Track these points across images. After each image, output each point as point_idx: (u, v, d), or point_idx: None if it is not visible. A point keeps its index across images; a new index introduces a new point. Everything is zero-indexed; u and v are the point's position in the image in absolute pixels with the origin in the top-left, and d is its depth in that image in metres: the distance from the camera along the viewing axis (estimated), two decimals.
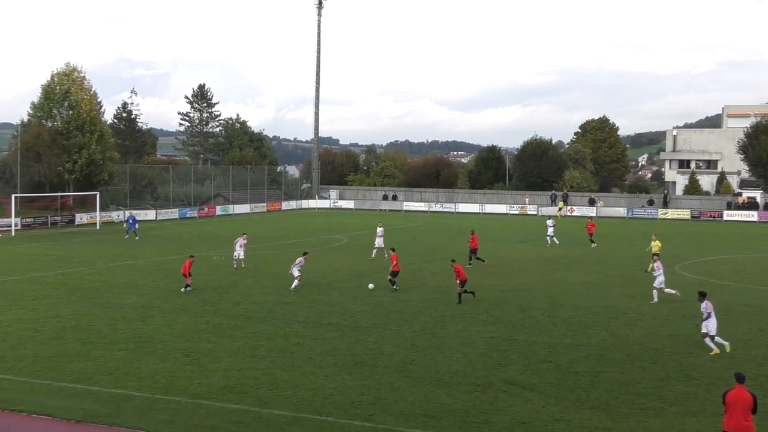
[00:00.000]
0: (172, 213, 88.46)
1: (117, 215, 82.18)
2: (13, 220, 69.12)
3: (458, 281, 34.07)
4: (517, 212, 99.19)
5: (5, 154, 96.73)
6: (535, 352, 25.49)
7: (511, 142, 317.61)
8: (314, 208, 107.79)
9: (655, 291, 35.18)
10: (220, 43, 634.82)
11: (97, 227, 71.57)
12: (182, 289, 36.85)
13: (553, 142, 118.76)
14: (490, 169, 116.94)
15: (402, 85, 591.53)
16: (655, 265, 35.65)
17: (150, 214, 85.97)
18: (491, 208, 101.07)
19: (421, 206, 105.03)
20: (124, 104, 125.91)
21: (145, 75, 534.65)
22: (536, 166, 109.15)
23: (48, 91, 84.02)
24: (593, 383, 21.86)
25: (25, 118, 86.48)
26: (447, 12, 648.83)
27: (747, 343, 27.03)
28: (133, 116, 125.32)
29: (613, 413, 19.22)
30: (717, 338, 25.83)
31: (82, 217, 77.45)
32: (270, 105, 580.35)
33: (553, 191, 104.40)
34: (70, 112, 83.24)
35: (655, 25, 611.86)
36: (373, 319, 30.63)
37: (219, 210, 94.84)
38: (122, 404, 19.69)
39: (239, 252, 44.74)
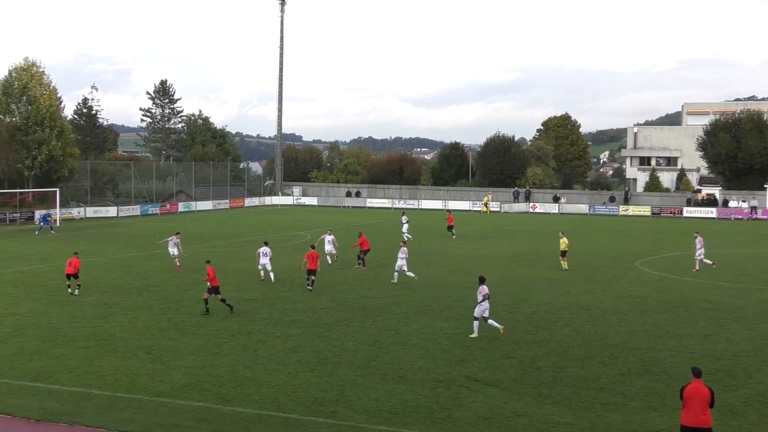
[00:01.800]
0: (134, 210, 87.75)
1: (77, 212, 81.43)
2: None
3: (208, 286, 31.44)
4: (479, 209, 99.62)
5: None
6: (497, 348, 25.62)
7: (474, 138, 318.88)
8: (277, 205, 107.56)
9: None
10: (182, 39, 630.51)
11: (57, 224, 70.78)
12: (75, 291, 35.22)
13: (516, 139, 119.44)
14: (453, 165, 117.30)
15: (366, 81, 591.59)
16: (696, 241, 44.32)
17: (111, 211, 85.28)
18: (454, 205, 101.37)
19: (384, 203, 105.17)
20: (85, 100, 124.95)
21: (107, 70, 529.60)
22: (499, 163, 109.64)
23: (6, 86, 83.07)
24: (555, 378, 22.03)
25: None
26: (411, 9, 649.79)
27: (705, 339, 27.38)
28: (93, 112, 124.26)
29: (574, 408, 19.38)
30: (490, 320, 27.15)
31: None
32: (233, 101, 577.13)
33: (516, 188, 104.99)
34: (29, 107, 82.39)
35: (615, 22, 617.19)
36: (336, 316, 30.61)
37: (181, 207, 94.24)
38: (83, 402, 19.51)
39: (173, 250, 44.12)
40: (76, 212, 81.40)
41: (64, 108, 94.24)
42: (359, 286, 37.88)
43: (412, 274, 39.63)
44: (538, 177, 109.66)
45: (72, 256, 36.34)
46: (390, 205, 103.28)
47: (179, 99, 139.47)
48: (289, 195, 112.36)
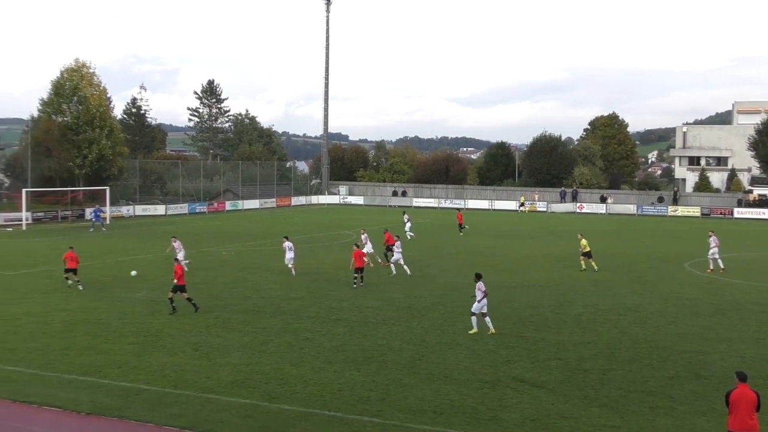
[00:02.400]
0: (182, 208, 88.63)
1: (127, 210, 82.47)
2: (24, 214, 69.40)
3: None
4: (526, 209, 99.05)
5: (16, 149, 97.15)
6: (543, 349, 25.45)
7: (521, 138, 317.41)
8: (324, 204, 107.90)
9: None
10: (229, 39, 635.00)
11: (107, 221, 71.72)
12: (75, 283, 36.33)
13: (563, 138, 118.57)
14: (499, 165, 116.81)
15: (412, 81, 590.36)
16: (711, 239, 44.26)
17: (159, 209, 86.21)
18: (500, 205, 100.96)
19: (430, 202, 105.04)
20: (134, 100, 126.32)
21: (154, 71, 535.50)
22: (546, 163, 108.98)
23: (58, 87, 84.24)
24: (602, 381, 21.82)
25: (35, 114, 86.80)
26: (457, 8, 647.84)
27: (757, 343, 26.93)
28: (142, 112, 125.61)
29: (621, 411, 19.18)
30: (486, 318, 27.75)
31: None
32: (279, 101, 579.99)
33: (563, 188, 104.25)
34: (80, 107, 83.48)
35: (663, 20, 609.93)
36: (382, 315, 30.63)
37: (228, 205, 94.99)
38: (131, 397, 19.73)
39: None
40: (126, 210, 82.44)
41: (113, 108, 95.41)
42: (405, 286, 37.86)
43: (407, 269, 40.93)
44: (585, 177, 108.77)
45: (68, 251, 37.23)
46: (436, 205, 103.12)
47: (226, 99, 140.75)
48: (335, 194, 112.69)
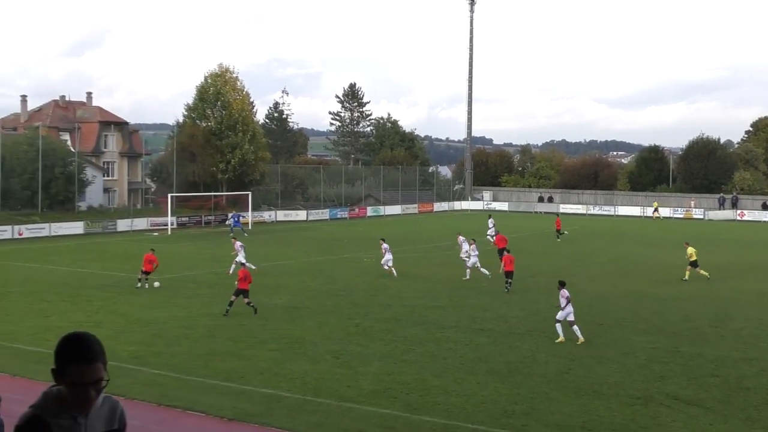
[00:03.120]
0: (323, 213, 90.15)
1: (268, 215, 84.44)
2: (169, 219, 72.07)
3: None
4: (681, 216, 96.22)
5: (162, 154, 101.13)
6: (700, 365, 24.65)
7: (675, 141, 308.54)
8: (467, 210, 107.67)
9: None
10: (371, 42, 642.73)
11: (249, 227, 73.70)
12: (155, 284, 38.44)
13: (721, 141, 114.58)
14: (652, 170, 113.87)
15: (559, 82, 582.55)
16: None
17: (301, 215, 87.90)
18: (653, 212, 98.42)
19: (578, 209, 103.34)
20: (276, 104, 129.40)
21: (297, 74, 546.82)
22: (703, 167, 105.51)
23: (202, 92, 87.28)
24: (766, 401, 20.94)
25: (181, 119, 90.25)
26: (607, 5, 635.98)
27: None
28: (284, 116, 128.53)
29: None
30: (574, 327, 27.46)
31: None
32: (422, 104, 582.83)
33: (722, 194, 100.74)
34: (223, 112, 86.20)
35: None
36: (527, 326, 30.35)
37: (370, 211, 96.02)
38: (273, 404, 20.20)
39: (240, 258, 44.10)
40: (267, 215, 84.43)
41: (256, 112, 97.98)
42: (551, 295, 37.30)
43: (486, 272, 41.70)
44: (747, 182, 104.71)
45: (149, 252, 39.22)
46: (584, 212, 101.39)
47: (368, 102, 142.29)
48: (478, 200, 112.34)
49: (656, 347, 26.96)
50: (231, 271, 42.54)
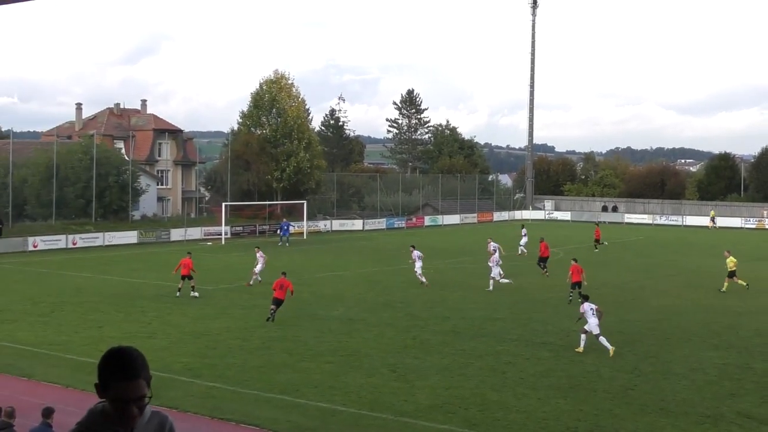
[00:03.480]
0: (380, 223, 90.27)
1: (324, 225, 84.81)
2: (223, 228, 72.67)
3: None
4: (753, 226, 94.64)
5: (216, 162, 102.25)
6: None
7: (747, 149, 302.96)
8: (528, 220, 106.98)
9: None
10: (429, 47, 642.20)
11: (304, 237, 74.11)
12: (195, 293, 39.02)
13: None
14: (722, 178, 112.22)
15: (625, 87, 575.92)
16: None
17: (357, 224, 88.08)
18: (723, 222, 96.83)
19: (644, 218, 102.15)
20: (332, 111, 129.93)
21: (354, 81, 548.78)
22: None
23: (257, 99, 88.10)
24: None
25: (235, 126, 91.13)
26: (676, 6, 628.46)
27: None
28: (340, 123, 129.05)
29: None
30: (601, 338, 27.55)
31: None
32: (482, 110, 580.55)
33: None
34: (278, 119, 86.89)
35: None
36: (590, 340, 30.05)
37: (427, 220, 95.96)
38: (328, 418, 20.28)
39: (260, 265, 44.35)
40: (323, 225, 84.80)
41: (312, 119, 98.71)
42: (617, 308, 37.01)
43: (508, 280, 42.46)
44: None
45: (186, 257, 39.98)
46: (650, 221, 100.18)
47: (426, 109, 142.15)
48: (540, 209, 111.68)
49: (727, 363, 26.55)
50: (251, 282, 43.53)
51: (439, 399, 22.01)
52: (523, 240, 60.35)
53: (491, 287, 41.82)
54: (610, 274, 47.60)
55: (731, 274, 42.62)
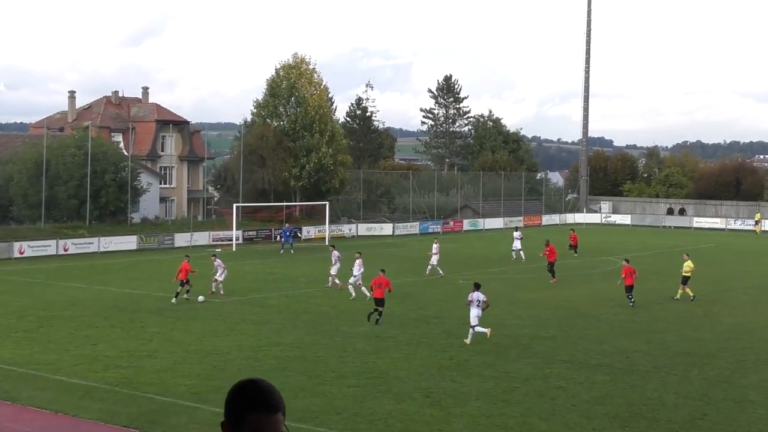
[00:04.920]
0: (412, 227, 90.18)
1: (349, 229, 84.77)
2: (234, 232, 72.68)
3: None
4: (760, 228, 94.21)
5: (227, 158, 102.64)
6: None
7: None
8: (581, 224, 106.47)
9: None
10: (470, 27, 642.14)
11: (326, 242, 74.14)
12: (185, 295, 41.22)
13: None
14: None
15: (694, 74, 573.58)
16: None
17: (386, 229, 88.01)
18: (755, 225, 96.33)
19: (715, 223, 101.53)
20: (359, 100, 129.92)
21: (384, 66, 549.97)
22: None
23: (273, 87, 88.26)
24: None
25: (249, 118, 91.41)
26: None
27: None
28: (368, 114, 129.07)
29: None
30: (477, 327, 31.62)
31: (309, 231, 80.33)
32: (530, 100, 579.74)
33: None
34: (298, 109, 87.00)
35: None
36: (653, 362, 29.92)
37: (467, 224, 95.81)
38: None
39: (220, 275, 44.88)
40: (347, 229, 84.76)
41: (335, 110, 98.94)
42: (683, 325, 36.83)
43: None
44: None
45: (184, 260, 41.99)
46: (723, 226, 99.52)
47: (466, 97, 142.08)
48: (595, 211, 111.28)
49: None
50: (214, 289, 44.30)
51: (478, 428, 21.96)
52: (516, 243, 61.75)
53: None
54: (676, 286, 47.17)
55: (684, 280, 43.81)
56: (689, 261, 44.50)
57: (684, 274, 44.20)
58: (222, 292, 43.62)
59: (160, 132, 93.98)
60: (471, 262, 58.70)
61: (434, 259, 53.89)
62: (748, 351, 31.93)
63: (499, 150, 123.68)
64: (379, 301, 35.99)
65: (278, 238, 72.79)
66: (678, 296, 43.94)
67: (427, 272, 53.50)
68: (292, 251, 67.56)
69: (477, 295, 32.27)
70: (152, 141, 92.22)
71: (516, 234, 63.93)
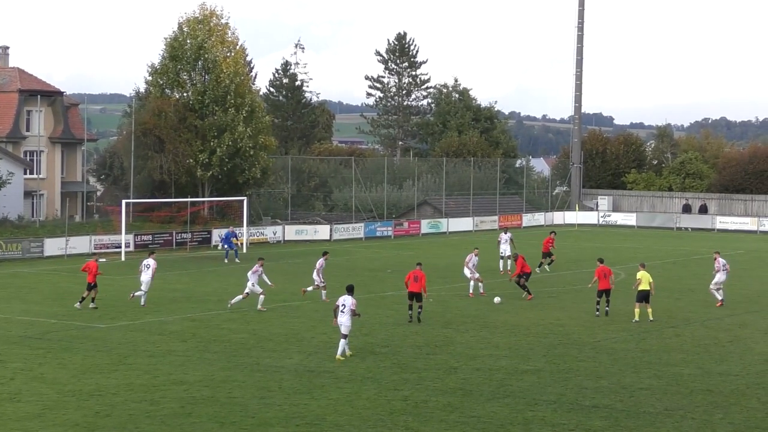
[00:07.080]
0: (355, 230, 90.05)
1: (273, 232, 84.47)
2: (123, 237, 72.00)
3: None
4: None
5: (114, 140, 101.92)
6: None
7: None
8: (573, 225, 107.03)
9: None
10: None
11: (244, 250, 73.86)
12: (77, 304, 43.69)
13: None
14: None
15: (716, 32, 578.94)
16: None
17: (322, 231, 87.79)
18: None
19: (745, 223, 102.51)
20: (286, 65, 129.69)
21: (318, 21, 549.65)
22: None
23: (174, 47, 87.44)
24: None
25: (142, 88, 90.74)
26: None
27: None
28: (298, 83, 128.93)
29: None
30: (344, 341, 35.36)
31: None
32: (506, 66, 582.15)
33: None
34: (206, 77, 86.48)
35: None
36: (664, 402, 30.15)
37: (425, 226, 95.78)
38: None
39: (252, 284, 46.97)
40: (271, 232, 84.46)
41: (256, 77, 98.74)
42: (703, 355, 37.15)
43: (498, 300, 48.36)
44: None
45: (91, 259, 43.59)
46: (755, 227, 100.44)
47: (424, 62, 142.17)
48: (590, 209, 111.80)
49: None
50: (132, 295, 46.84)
51: None
52: (505, 248, 63.37)
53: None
54: (695, 304, 47.66)
55: (642, 297, 44.54)
56: (643, 271, 44.70)
57: (640, 288, 44.28)
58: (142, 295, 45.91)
59: (25, 105, 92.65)
60: (432, 275, 58.65)
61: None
62: None
63: (468, 130, 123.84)
64: (415, 296, 41.10)
65: (219, 247, 72.37)
66: (649, 318, 44.06)
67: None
68: (237, 260, 67.29)
69: (344, 300, 36.00)
70: (14, 117, 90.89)
71: (504, 237, 64.09)
